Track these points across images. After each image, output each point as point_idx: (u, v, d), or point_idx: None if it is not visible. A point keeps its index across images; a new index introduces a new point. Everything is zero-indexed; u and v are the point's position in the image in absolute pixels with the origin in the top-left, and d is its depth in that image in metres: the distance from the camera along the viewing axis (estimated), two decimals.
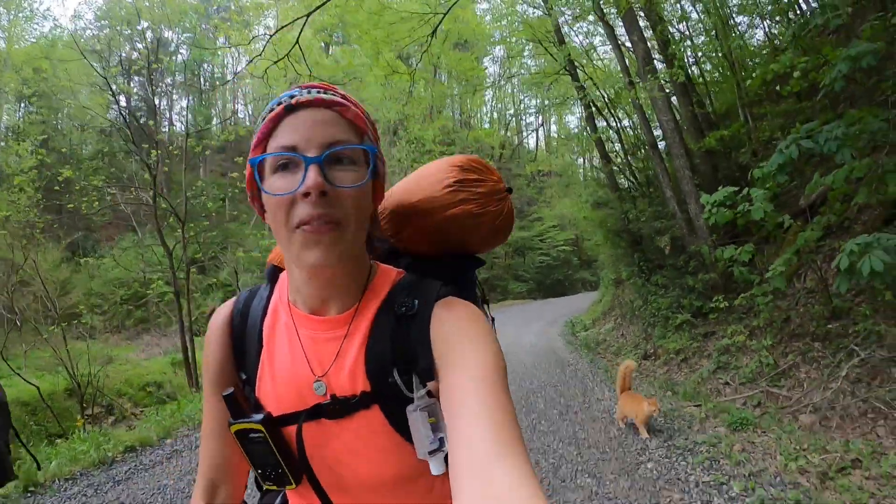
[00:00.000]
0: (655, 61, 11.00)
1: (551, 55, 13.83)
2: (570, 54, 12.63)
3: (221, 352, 1.17)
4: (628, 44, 10.90)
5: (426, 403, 0.98)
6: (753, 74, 9.63)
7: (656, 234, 10.84)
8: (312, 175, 0.92)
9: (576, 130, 17.24)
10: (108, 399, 13.16)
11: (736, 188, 6.24)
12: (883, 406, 4.99)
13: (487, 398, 0.84)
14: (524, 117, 45.53)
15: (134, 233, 29.51)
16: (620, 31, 11.23)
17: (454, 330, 0.97)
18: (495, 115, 41.80)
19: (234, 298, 1.23)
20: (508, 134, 43.42)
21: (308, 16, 9.59)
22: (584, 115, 14.30)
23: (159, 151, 13.37)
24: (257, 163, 0.96)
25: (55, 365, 12.62)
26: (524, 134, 42.18)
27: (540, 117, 42.91)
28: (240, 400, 1.10)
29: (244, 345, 1.15)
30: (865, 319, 5.93)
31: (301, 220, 0.93)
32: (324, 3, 10.58)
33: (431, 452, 0.96)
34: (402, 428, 1.01)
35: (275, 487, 1.10)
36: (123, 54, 42.83)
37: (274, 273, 1.25)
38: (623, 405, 6.25)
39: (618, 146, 14.48)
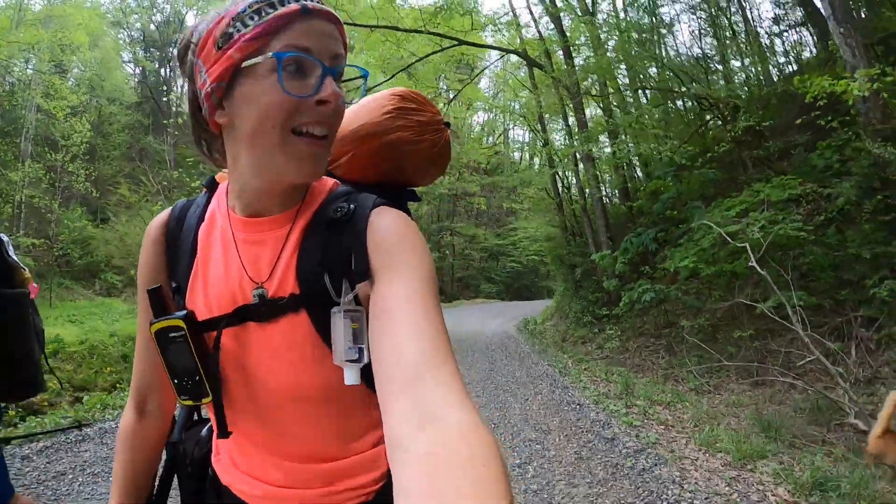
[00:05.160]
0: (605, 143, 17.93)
1: (535, 132, 21.08)
2: (546, 139, 19.70)
3: (154, 259, 1.22)
4: None
5: (352, 309, 1.02)
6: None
7: (578, 266, 17.77)
8: (331, 84, 1.00)
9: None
10: None
11: (609, 251, 13.17)
12: (652, 363, 11.70)
13: (420, 310, 0.90)
14: (511, 133, 50.44)
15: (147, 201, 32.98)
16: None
17: (390, 237, 1.03)
18: (485, 129, 46.59)
19: (171, 206, 1.26)
20: (495, 142, 46.80)
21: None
22: (550, 175, 21.04)
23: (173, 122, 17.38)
24: (284, 58, 0.95)
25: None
26: (510, 148, 47.00)
27: (527, 135, 48.15)
28: (165, 299, 1.17)
29: (177, 252, 1.20)
30: (682, 329, 11.61)
31: (305, 125, 1.00)
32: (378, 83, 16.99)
33: (350, 361, 1.00)
34: (328, 337, 1.05)
35: (191, 402, 1.12)
36: (139, 26, 47.46)
37: (213, 183, 1.28)
38: (887, 447, 4.55)
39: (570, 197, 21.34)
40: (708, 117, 15.45)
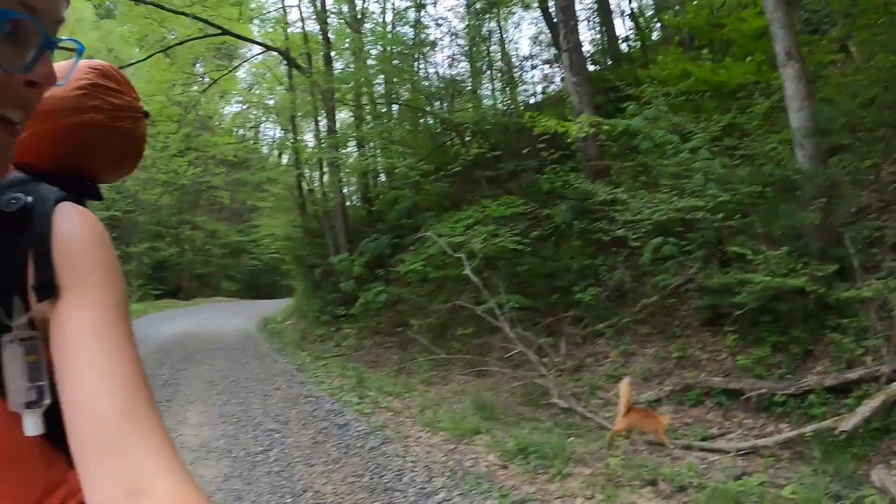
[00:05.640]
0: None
1: (286, 131, 21.30)
2: (296, 139, 20.08)
3: None
4: None
5: (27, 336, 0.80)
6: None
7: (318, 266, 18.18)
8: (49, 62, 0.79)
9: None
10: None
11: (347, 254, 13.82)
12: (386, 359, 12.42)
13: (115, 346, 0.76)
14: (263, 128, 49.07)
15: None
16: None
17: (80, 246, 0.84)
18: (236, 121, 45.01)
19: None
20: (245, 136, 45.87)
21: None
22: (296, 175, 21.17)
23: None
24: (9, 18, 0.70)
25: None
26: (260, 143, 45.83)
27: (278, 131, 47.19)
28: None
29: None
30: (412, 327, 12.28)
31: (3, 107, 0.75)
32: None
33: (28, 405, 0.78)
34: None
35: None
36: None
37: None
38: (637, 423, 6.13)
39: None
40: (453, 135, 16.71)
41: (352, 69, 17.20)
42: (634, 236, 8.38)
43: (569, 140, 10.31)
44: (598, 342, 9.38)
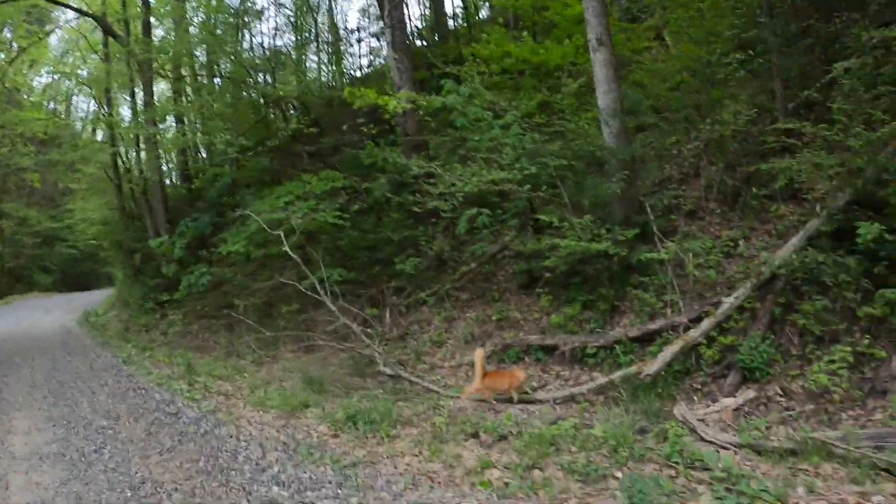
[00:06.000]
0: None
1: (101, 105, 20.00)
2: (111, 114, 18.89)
3: None
4: None
5: None
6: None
7: (137, 251, 17.50)
8: None
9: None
10: None
11: (167, 237, 13.36)
12: (214, 342, 12.15)
13: None
14: (76, 101, 45.03)
15: None
16: None
17: None
18: (46, 94, 41.29)
19: None
20: (56, 108, 41.85)
21: None
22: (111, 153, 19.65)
23: None
24: None
25: None
26: (73, 119, 42.34)
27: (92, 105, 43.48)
28: None
29: None
30: (238, 308, 12.07)
31: None
32: None
33: None
34: None
35: None
36: None
37: None
38: (492, 384, 6.65)
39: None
40: (276, 109, 16.44)
41: (172, 38, 16.57)
42: (448, 208, 8.75)
43: (387, 115, 10.48)
44: (421, 310, 9.76)
